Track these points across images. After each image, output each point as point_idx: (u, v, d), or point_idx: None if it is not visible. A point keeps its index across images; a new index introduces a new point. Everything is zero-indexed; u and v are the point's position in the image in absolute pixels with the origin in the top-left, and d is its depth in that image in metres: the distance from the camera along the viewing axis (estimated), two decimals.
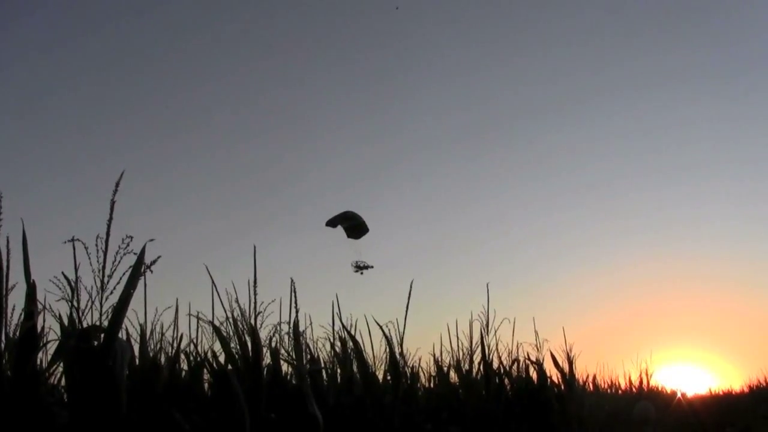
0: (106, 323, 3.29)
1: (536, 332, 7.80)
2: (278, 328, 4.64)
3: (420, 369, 6.48)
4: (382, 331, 5.21)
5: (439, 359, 6.67)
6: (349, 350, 5.16)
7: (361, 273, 20.38)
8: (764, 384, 14.07)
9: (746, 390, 16.08)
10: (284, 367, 4.83)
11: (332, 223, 18.05)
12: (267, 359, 4.61)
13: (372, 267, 20.35)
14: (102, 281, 3.31)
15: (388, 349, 5.16)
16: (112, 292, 3.32)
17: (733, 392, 17.81)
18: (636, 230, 33.91)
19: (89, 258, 3.32)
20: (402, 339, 5.28)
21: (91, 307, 3.35)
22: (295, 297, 4.46)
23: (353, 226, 18.11)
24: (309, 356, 5.27)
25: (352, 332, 5.21)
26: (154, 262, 3.41)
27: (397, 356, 5.17)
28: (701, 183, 34.28)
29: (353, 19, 27.86)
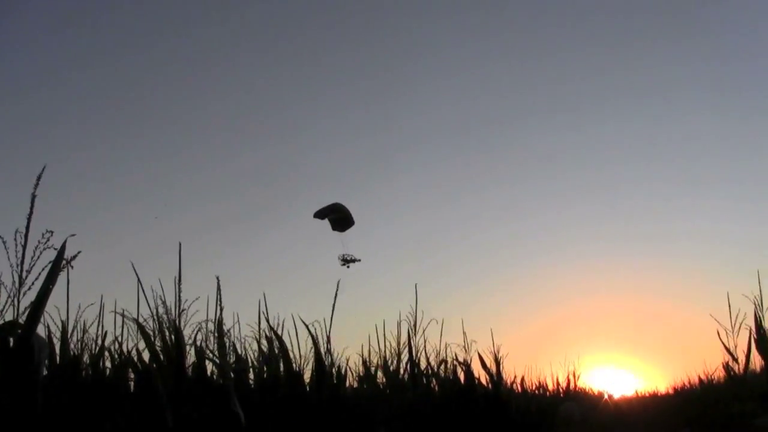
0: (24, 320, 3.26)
1: (464, 333, 7.90)
2: (204, 326, 4.64)
3: (348, 369, 6.51)
4: (308, 330, 5.22)
5: (367, 359, 6.72)
6: (276, 349, 5.16)
7: (348, 266, 20.38)
8: (689, 386, 14.43)
9: (671, 392, 16.50)
10: (211, 366, 4.83)
11: (320, 214, 18.01)
12: (192, 357, 4.61)
13: (359, 260, 20.35)
14: (20, 277, 3.27)
15: (314, 349, 5.18)
16: (30, 288, 3.28)
17: (659, 394, 18.27)
18: (566, 237, 34.57)
19: (7, 253, 3.28)
20: (328, 338, 5.31)
21: (10, 304, 3.30)
22: (220, 295, 4.45)
23: (339, 218, 18.11)
24: (235, 355, 5.26)
25: (280, 331, 5.22)
26: (74, 258, 3.39)
27: (323, 355, 5.18)
28: (629, 194, 35.12)
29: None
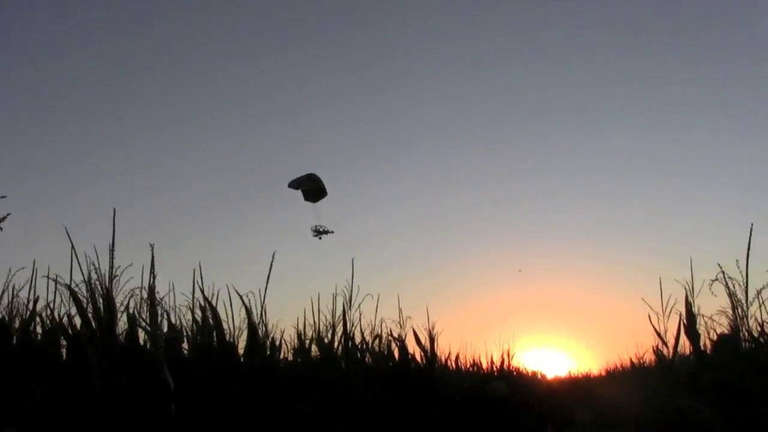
0: None
1: (400, 309, 7.97)
2: (138, 293, 4.64)
3: (283, 341, 6.53)
4: (242, 300, 5.24)
5: (302, 332, 6.71)
6: (210, 319, 5.18)
7: (320, 237, 20.32)
8: (621, 368, 14.77)
9: (603, 373, 16.88)
10: (144, 334, 4.82)
11: (295, 184, 17.85)
12: (125, 325, 4.61)
13: (332, 232, 20.29)
14: None
15: (247, 319, 5.20)
16: None
17: (592, 375, 18.69)
18: (504, 221, 35.03)
19: None
20: (263, 310, 5.33)
21: None
22: (153, 263, 4.47)
23: (312, 189, 18.00)
24: (168, 324, 5.27)
25: (215, 302, 5.22)
26: (3, 219, 3.38)
27: (256, 326, 5.20)
28: (568, 180, 35.69)
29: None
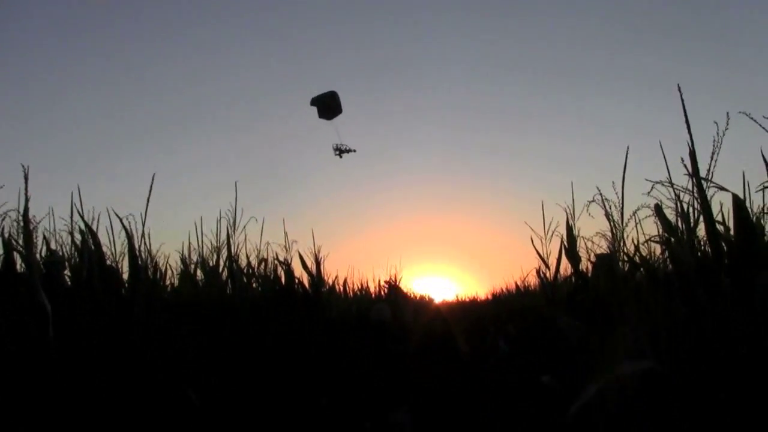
0: None
1: (285, 233, 8.09)
2: (14, 216, 4.57)
3: (168, 266, 6.56)
4: (122, 223, 5.20)
5: (186, 257, 6.78)
6: (91, 244, 5.14)
7: (341, 156, 20.03)
8: (505, 291, 15.35)
9: (490, 297, 17.52)
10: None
11: (317, 101, 17.49)
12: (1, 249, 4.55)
13: (354, 151, 20.00)
14: None
15: (128, 243, 5.17)
16: None
17: (479, 299, 19.37)
18: (388, 149, 35.47)
19: None
20: (144, 233, 5.29)
21: None
22: (27, 184, 4.39)
23: (329, 106, 17.69)
24: (47, 249, 5.22)
25: (95, 226, 5.17)
26: None
27: (137, 251, 5.18)
28: (446, 109, 36.35)
29: None
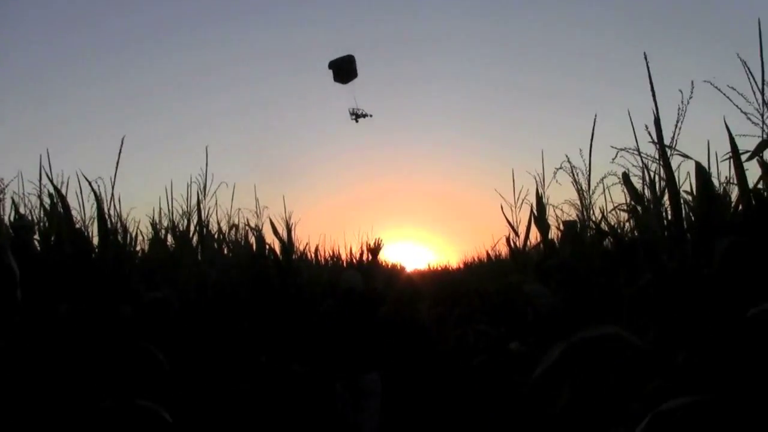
0: None
1: (257, 199, 8.07)
2: None
3: (138, 231, 6.49)
4: (91, 186, 5.16)
5: (157, 222, 6.73)
6: (59, 207, 5.11)
7: (357, 121, 19.89)
8: (477, 260, 15.41)
9: (462, 266, 17.60)
10: None
11: (334, 65, 17.32)
12: None
13: (371, 115, 19.86)
14: None
15: (97, 207, 5.13)
16: None
17: (450, 268, 19.46)
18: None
19: None
20: (113, 196, 5.25)
21: None
22: None
23: (345, 69, 17.52)
24: (16, 212, 5.20)
25: (65, 190, 5.13)
26: None
27: (105, 215, 5.12)
28: (420, 76, 36.35)
29: None
